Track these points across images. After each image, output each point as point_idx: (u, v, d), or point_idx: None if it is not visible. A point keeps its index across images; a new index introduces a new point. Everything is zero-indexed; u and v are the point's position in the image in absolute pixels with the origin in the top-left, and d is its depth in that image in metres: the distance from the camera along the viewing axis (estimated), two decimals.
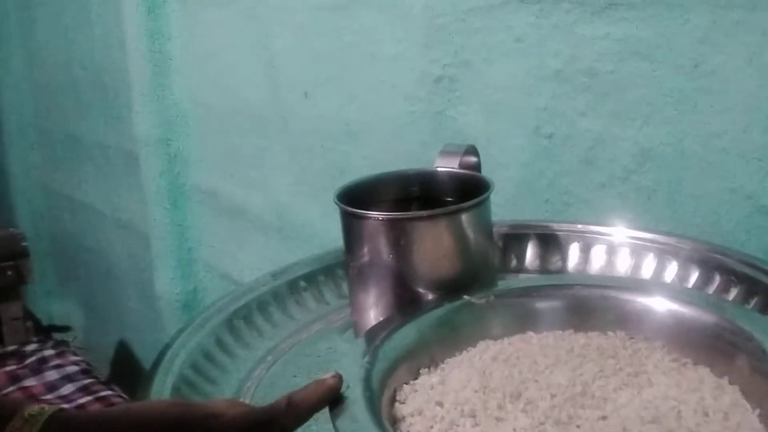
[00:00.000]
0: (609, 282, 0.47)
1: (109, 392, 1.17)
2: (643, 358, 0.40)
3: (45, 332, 1.45)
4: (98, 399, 1.14)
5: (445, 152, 0.56)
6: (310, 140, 1.06)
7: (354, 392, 0.36)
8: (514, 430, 0.34)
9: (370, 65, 0.92)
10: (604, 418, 0.35)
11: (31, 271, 1.41)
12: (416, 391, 0.39)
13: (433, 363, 0.42)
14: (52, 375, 1.22)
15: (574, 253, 0.59)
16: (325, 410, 0.35)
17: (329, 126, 1.01)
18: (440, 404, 0.37)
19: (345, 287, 0.57)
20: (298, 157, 1.10)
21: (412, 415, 0.37)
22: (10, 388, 1.20)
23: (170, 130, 1.37)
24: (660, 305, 0.42)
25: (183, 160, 1.38)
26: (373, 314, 0.49)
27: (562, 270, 0.58)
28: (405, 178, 0.55)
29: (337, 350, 0.51)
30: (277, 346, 0.53)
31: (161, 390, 0.42)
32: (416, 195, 0.55)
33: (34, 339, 1.36)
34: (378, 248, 0.47)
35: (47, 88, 1.92)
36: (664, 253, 0.55)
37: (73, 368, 1.25)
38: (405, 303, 0.47)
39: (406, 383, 0.40)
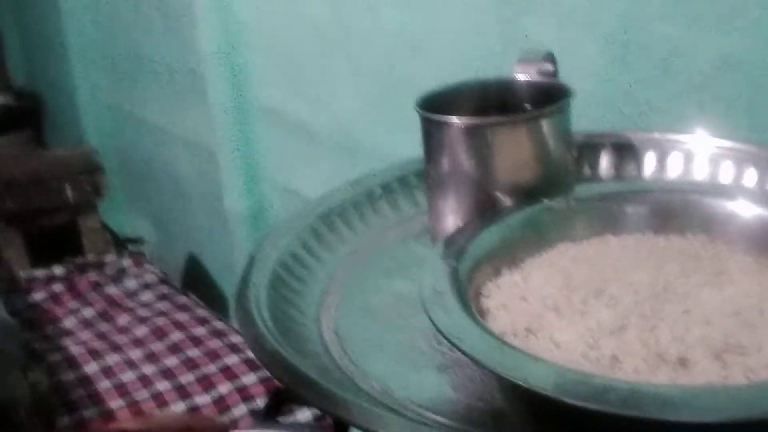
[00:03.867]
0: (690, 186, 0.47)
1: (185, 300, 1.24)
2: (724, 260, 0.41)
3: (121, 244, 1.52)
4: (177, 307, 1.21)
5: (523, 60, 0.56)
6: (374, 57, 1.05)
7: (443, 286, 0.38)
8: (598, 322, 0.36)
9: None
10: (687, 312, 0.36)
11: (106, 185, 1.48)
12: (499, 287, 0.41)
13: (514, 263, 0.44)
14: (131, 283, 1.29)
15: (650, 161, 0.58)
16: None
17: (394, 41, 1.00)
18: (524, 299, 0.39)
19: (419, 196, 0.59)
20: (362, 73, 1.10)
21: (498, 309, 0.39)
22: (93, 296, 1.28)
23: (233, 46, 1.37)
24: (742, 209, 0.43)
25: (247, 77, 1.39)
26: (452, 220, 0.51)
27: (638, 178, 0.58)
28: (484, 86, 0.55)
29: (416, 253, 0.53)
30: (357, 250, 0.55)
31: (258, 287, 0.45)
32: (495, 103, 0.55)
33: (112, 251, 1.43)
34: (458, 154, 0.48)
35: (109, 7, 1.94)
36: (742, 161, 0.54)
37: (151, 277, 1.31)
38: (484, 209, 0.48)
39: (489, 281, 0.42)
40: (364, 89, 1.10)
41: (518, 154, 0.48)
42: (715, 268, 0.40)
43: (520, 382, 0.32)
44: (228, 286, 1.55)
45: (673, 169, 0.57)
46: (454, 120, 0.48)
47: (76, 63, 2.08)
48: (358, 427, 0.35)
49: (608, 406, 0.30)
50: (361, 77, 1.10)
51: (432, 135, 0.50)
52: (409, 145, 0.56)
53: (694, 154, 0.57)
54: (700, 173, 0.56)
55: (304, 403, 0.43)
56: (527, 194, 0.48)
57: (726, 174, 0.54)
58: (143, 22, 1.75)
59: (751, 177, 0.53)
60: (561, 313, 0.37)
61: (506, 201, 0.48)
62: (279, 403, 0.44)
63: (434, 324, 0.36)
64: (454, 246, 0.44)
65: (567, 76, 0.74)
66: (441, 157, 0.50)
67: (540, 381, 0.32)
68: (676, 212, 0.45)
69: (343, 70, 1.14)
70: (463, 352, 0.34)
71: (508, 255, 0.44)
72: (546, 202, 0.46)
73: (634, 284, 0.39)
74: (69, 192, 1.38)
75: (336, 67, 1.15)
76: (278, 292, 0.45)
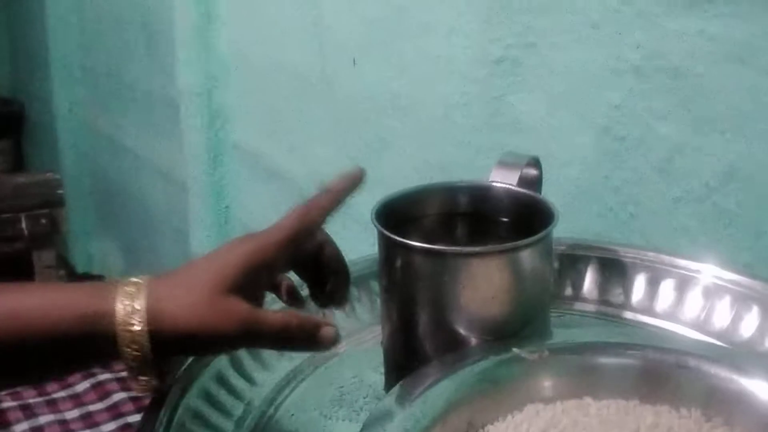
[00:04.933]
0: (691, 345, 0.40)
1: None
2: None
3: (79, 280, 1.44)
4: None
5: (504, 162, 0.49)
6: (354, 109, 0.99)
7: None
8: None
9: (424, 37, 0.84)
10: None
11: (65, 219, 1.40)
12: None
13: (473, 429, 0.36)
14: None
15: (639, 285, 0.52)
16: None
17: (376, 97, 0.94)
18: None
19: (378, 304, 0.51)
20: (341, 125, 1.04)
21: None
22: None
23: (213, 83, 1.32)
24: (755, 388, 0.36)
25: (224, 116, 1.33)
26: (405, 352, 0.44)
27: (624, 305, 0.51)
28: (454, 190, 0.48)
29: (364, 382, 0.46)
30: (299, 367, 0.48)
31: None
32: (467, 210, 0.48)
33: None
34: (418, 282, 0.41)
35: (94, 26, 1.89)
36: (745, 298, 0.48)
37: None
38: (444, 346, 0.41)
39: None
40: (342, 141, 1.04)
41: (488, 287, 0.41)
42: None
43: None
44: None
45: (665, 299, 0.50)
46: (416, 244, 0.40)
47: (58, 78, 2.05)
48: None
49: None
50: (340, 128, 1.04)
51: (389, 253, 0.43)
52: None
53: (689, 284, 0.50)
54: (694, 308, 0.49)
55: None
56: (496, 333, 0.41)
57: (723, 312, 0.48)
58: (126, 45, 1.70)
59: (751, 320, 0.47)
60: None
61: (470, 340, 0.41)
62: None
63: None
64: (407, 399, 0.37)
65: (555, 164, 0.68)
66: (398, 279, 0.43)
67: None
68: (669, 377, 0.38)
69: (322, 119, 1.08)
70: None
71: (465, 418, 0.36)
72: (515, 350, 0.39)
73: None
74: (24, 224, 1.29)
75: (315, 115, 1.09)
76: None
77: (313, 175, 1.14)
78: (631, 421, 0.36)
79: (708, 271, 0.50)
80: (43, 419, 0.98)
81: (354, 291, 0.54)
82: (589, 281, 0.53)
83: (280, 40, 1.13)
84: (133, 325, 0.36)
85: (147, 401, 0.39)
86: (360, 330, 0.52)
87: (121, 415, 0.99)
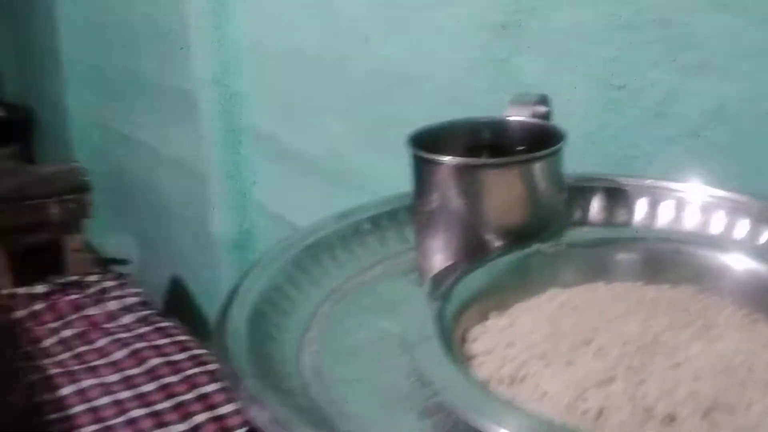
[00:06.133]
0: (682, 237, 0.47)
1: (167, 323, 1.22)
2: (714, 313, 0.40)
3: (104, 265, 1.51)
4: (157, 330, 1.19)
5: (516, 101, 0.55)
6: (367, 86, 1.05)
7: (428, 330, 0.37)
8: (585, 373, 0.35)
9: (432, 9, 0.91)
10: (676, 366, 0.35)
11: (92, 204, 1.46)
12: (486, 332, 0.40)
13: (502, 307, 0.43)
14: (112, 305, 1.27)
15: (641, 207, 0.58)
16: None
17: (387, 72, 1.01)
18: (511, 345, 0.38)
19: (408, 232, 0.58)
20: (354, 102, 1.10)
21: (484, 354, 0.38)
22: (73, 316, 1.26)
23: (227, 71, 1.38)
24: (734, 262, 0.42)
25: (239, 102, 1.39)
26: (439, 259, 0.50)
27: (629, 224, 0.57)
28: (476, 125, 0.55)
29: (402, 291, 0.52)
30: (342, 285, 0.54)
31: (238, 321, 0.44)
32: (487, 143, 0.55)
33: (95, 270, 1.41)
34: (448, 194, 0.48)
35: (102, 26, 1.94)
36: (735, 211, 0.54)
37: (132, 300, 1.29)
38: (473, 250, 0.47)
39: (476, 324, 0.41)
40: (356, 117, 1.10)
41: (509, 196, 0.47)
42: (705, 322, 0.39)
43: None
44: (211, 312, 1.54)
45: (665, 217, 0.57)
46: (446, 159, 0.47)
47: (69, 79, 2.09)
48: None
49: None
50: (354, 105, 1.10)
51: (422, 173, 0.49)
52: (400, 175, 0.55)
53: (686, 203, 0.57)
54: (691, 222, 0.56)
55: None
56: (517, 237, 0.47)
57: (718, 224, 0.54)
58: (137, 42, 1.75)
59: (743, 228, 0.53)
60: (548, 361, 0.37)
61: (495, 243, 0.48)
62: None
63: (419, 369, 0.35)
64: (442, 287, 0.43)
65: (559, 117, 0.75)
66: (431, 196, 0.49)
67: None
68: (667, 262, 0.44)
69: (335, 99, 1.14)
70: (447, 401, 0.33)
71: (495, 299, 0.43)
72: (536, 246, 0.46)
73: (623, 335, 0.38)
74: (54, 210, 1.36)
75: (328, 95, 1.15)
76: (258, 326, 0.44)
77: (329, 153, 1.20)
78: (636, 297, 0.42)
79: (702, 191, 0.56)
80: (86, 383, 1.04)
81: (385, 221, 0.60)
82: (595, 207, 0.59)
83: (293, 25, 1.20)
84: None
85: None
86: (392, 256, 0.58)
87: (159, 377, 1.05)
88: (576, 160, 0.77)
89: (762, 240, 0.51)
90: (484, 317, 0.42)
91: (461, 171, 0.47)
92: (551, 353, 0.37)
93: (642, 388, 0.34)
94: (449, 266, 0.46)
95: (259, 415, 0.36)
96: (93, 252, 1.56)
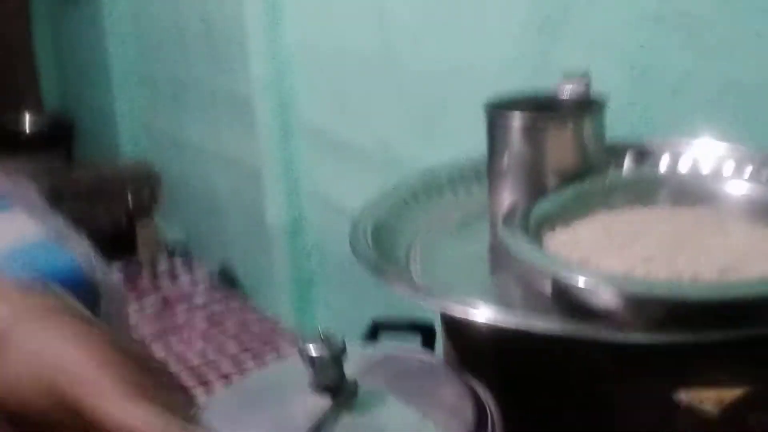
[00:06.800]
0: (698, 175, 0.61)
1: (237, 293, 1.35)
2: (723, 222, 0.54)
3: (169, 248, 1.64)
4: (229, 298, 1.32)
5: (565, 79, 0.70)
6: (417, 79, 1.18)
7: (514, 229, 0.51)
8: (633, 255, 0.49)
9: (477, 9, 1.04)
10: (698, 249, 0.49)
11: (162, 192, 1.60)
12: (557, 237, 0.54)
13: (566, 224, 0.57)
14: (184, 282, 1.41)
15: (665, 160, 0.72)
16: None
17: (436, 66, 1.14)
18: (576, 244, 0.52)
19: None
20: (403, 97, 1.22)
21: (556, 248, 0.52)
22: (151, 292, 1.40)
23: (281, 72, 1.49)
24: (735, 189, 0.56)
25: (293, 100, 1.50)
26: (510, 200, 0.64)
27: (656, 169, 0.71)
28: (536, 97, 0.69)
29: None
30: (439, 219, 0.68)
31: (365, 225, 0.60)
32: (544, 110, 0.68)
33: (163, 253, 1.56)
34: (517, 147, 0.62)
35: (151, 34, 2.02)
36: (741, 159, 0.68)
37: (202, 276, 1.43)
38: (537, 192, 0.61)
39: (548, 233, 0.55)
40: (405, 107, 1.22)
41: (566, 145, 0.61)
42: (718, 227, 0.53)
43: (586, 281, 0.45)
44: (263, 300, 1.67)
45: (685, 167, 0.71)
46: (517, 114, 0.61)
47: (117, 83, 2.15)
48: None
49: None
50: (403, 97, 1.22)
51: (496, 130, 0.64)
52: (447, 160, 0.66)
53: (701, 155, 0.71)
54: (706, 168, 0.69)
55: (399, 329, 0.56)
56: (571, 180, 0.61)
57: (727, 170, 0.68)
58: (187, 47, 1.84)
59: (748, 171, 0.67)
60: (605, 250, 0.50)
61: (554, 185, 0.62)
62: (376, 333, 0.56)
63: (508, 247, 0.49)
64: (518, 213, 0.57)
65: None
66: (504, 149, 0.63)
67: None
68: (688, 192, 0.58)
69: (385, 94, 1.26)
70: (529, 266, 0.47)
71: (561, 218, 0.57)
72: (588, 182, 0.60)
73: (659, 234, 0.52)
74: (129, 198, 1.51)
75: (378, 90, 1.27)
76: (379, 231, 0.59)
77: (378, 141, 1.32)
78: (666, 213, 0.56)
79: (715, 145, 0.70)
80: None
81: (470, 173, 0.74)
82: (628, 161, 0.73)
83: (344, 27, 1.32)
84: None
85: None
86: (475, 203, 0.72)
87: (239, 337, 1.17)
88: (609, 131, 0.91)
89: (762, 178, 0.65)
90: (553, 230, 0.56)
91: (529, 126, 0.61)
92: (607, 246, 0.51)
93: (675, 261, 0.48)
94: (519, 203, 0.60)
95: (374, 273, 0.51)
96: (161, 237, 1.70)
